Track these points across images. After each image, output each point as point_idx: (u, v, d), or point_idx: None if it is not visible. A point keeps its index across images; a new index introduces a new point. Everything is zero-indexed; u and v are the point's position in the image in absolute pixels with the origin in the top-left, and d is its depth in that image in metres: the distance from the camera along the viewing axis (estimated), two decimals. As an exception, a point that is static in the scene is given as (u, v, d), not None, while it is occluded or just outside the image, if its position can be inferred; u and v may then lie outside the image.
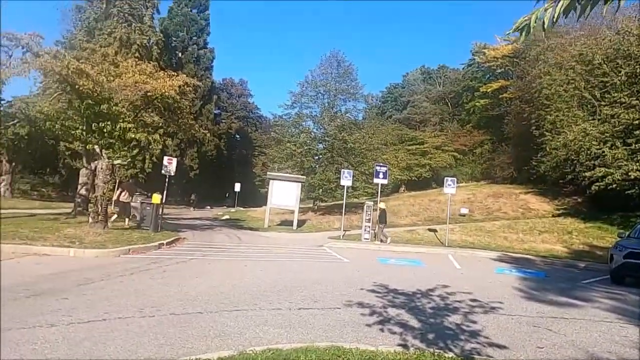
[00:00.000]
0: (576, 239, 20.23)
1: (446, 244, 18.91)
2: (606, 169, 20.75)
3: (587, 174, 21.52)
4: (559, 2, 1.98)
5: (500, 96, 41.16)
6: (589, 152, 21.64)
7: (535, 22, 2.07)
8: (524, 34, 2.17)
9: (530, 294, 9.53)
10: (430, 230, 22.49)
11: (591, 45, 24.24)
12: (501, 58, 43.43)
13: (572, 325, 6.87)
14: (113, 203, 20.80)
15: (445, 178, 20.67)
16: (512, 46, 40.18)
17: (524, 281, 11.37)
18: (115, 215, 17.81)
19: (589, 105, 23.64)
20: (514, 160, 37.48)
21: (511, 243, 19.98)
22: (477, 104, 48.91)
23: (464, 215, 26.46)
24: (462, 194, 30.86)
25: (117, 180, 24.31)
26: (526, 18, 2.11)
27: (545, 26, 2.04)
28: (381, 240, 18.83)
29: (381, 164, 21.81)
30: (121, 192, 17.99)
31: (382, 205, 19.93)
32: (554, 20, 2.02)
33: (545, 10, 2.02)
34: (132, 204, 18.18)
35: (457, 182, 23.79)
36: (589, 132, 21.86)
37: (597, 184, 21.03)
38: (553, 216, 25.45)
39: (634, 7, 24.29)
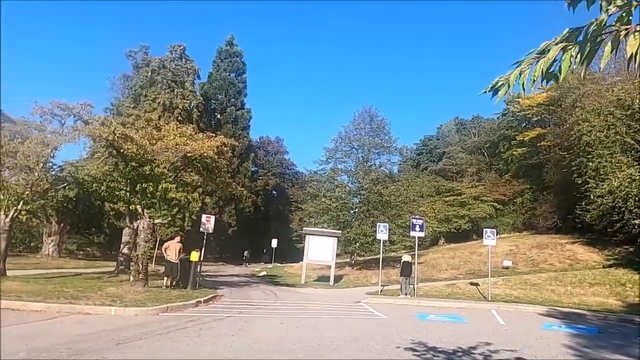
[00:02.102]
0: (630, 291, 19.00)
1: (489, 299, 18.15)
2: (657, 216, 19.80)
3: (637, 221, 20.54)
4: (535, 65, 2.06)
5: (538, 144, 40.32)
6: (637, 198, 20.76)
7: (515, 82, 2.15)
8: (500, 92, 2.24)
9: (581, 351, 8.96)
10: (471, 284, 21.68)
11: (629, 90, 23.83)
12: (536, 106, 42.98)
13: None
14: (153, 261, 21.18)
15: (485, 229, 20.14)
16: (546, 94, 39.85)
17: (575, 338, 10.71)
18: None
19: (632, 151, 22.93)
20: (557, 209, 36.14)
21: (559, 297, 18.97)
22: (514, 152, 48.07)
23: (507, 268, 25.41)
24: (505, 246, 29.83)
25: (158, 239, 24.83)
26: (503, 78, 2.19)
27: (524, 87, 2.13)
28: (403, 293, 18.47)
29: (417, 217, 21.52)
30: (166, 251, 18.32)
31: (405, 257, 19.73)
32: (532, 81, 2.10)
33: (521, 73, 2.11)
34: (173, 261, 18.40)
35: (499, 233, 23.12)
36: (635, 178, 21.08)
37: (649, 232, 20.02)
38: (603, 267, 24.10)
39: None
